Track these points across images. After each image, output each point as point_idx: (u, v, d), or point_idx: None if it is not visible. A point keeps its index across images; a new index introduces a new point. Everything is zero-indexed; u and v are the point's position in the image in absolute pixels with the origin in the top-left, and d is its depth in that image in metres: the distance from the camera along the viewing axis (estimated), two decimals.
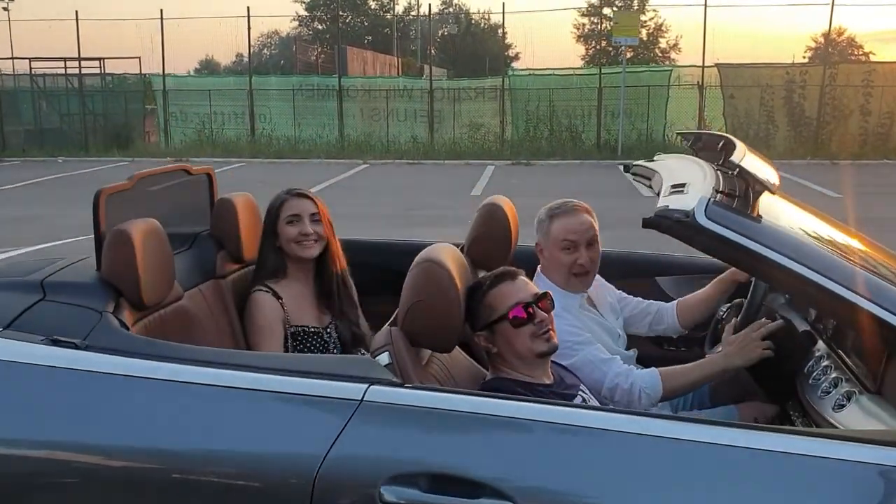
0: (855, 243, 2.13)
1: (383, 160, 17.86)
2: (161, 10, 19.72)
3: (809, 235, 1.92)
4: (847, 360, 2.42)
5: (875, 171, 15.33)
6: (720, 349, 2.81)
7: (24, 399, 1.88)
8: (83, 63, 20.83)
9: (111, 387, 1.86)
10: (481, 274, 2.48)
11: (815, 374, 2.53)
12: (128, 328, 2.10)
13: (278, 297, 2.84)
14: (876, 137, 17.57)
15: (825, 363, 2.54)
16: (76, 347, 1.93)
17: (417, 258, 2.13)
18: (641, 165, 2.89)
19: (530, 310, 2.17)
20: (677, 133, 3.36)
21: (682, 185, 2.06)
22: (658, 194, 2.29)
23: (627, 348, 2.94)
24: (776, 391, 2.75)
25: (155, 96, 20.24)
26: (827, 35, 19.74)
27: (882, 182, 13.61)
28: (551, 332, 2.22)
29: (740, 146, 2.11)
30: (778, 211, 2.04)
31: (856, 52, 42.45)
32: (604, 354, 2.65)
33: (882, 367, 2.19)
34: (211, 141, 19.06)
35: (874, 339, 2.19)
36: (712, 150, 2.65)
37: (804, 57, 37.87)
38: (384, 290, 3.44)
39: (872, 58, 37.08)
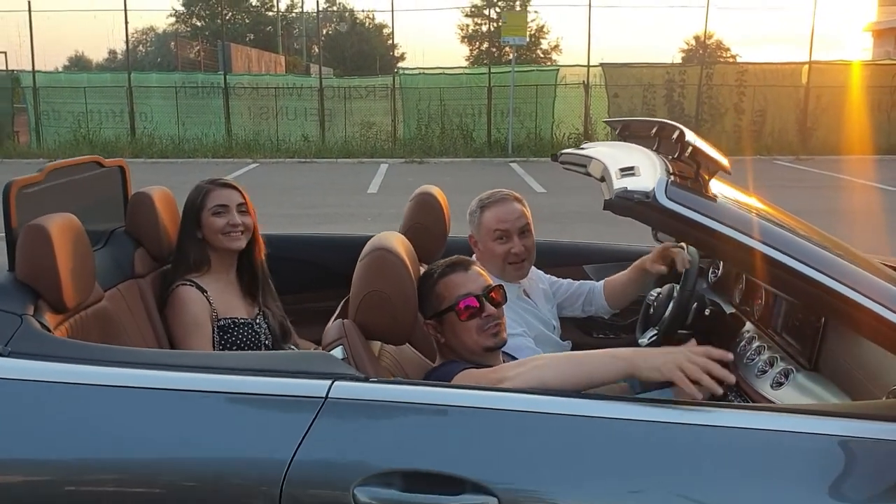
0: (800, 225, 2.18)
1: (274, 159, 17.45)
2: (29, 2, 18.69)
3: (760, 215, 1.94)
4: (779, 339, 2.50)
5: (751, 166, 16.08)
6: (651, 334, 2.84)
7: None
8: None
9: (44, 395, 1.69)
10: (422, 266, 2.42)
11: (748, 354, 2.60)
12: (50, 331, 1.92)
13: (203, 291, 2.71)
14: (749, 134, 18.47)
15: (757, 343, 2.61)
16: None
17: (368, 247, 2.04)
18: (571, 153, 2.89)
19: (479, 303, 2.12)
20: (603, 121, 3.38)
21: (632, 168, 2.05)
22: (601, 179, 2.29)
23: (562, 339, 2.94)
24: None
25: (24, 94, 19.05)
26: (704, 36, 20.63)
27: (758, 177, 14.28)
28: (500, 326, 2.17)
29: (686, 129, 2.13)
30: (726, 193, 2.07)
31: (723, 56, 44.54)
32: (531, 346, 2.65)
33: (817, 345, 2.26)
34: (88, 141, 18.02)
35: (816, 316, 2.26)
36: (644, 136, 2.68)
37: (681, 59, 39.56)
38: (308, 286, 3.34)
39: (739, 59, 39.04)
